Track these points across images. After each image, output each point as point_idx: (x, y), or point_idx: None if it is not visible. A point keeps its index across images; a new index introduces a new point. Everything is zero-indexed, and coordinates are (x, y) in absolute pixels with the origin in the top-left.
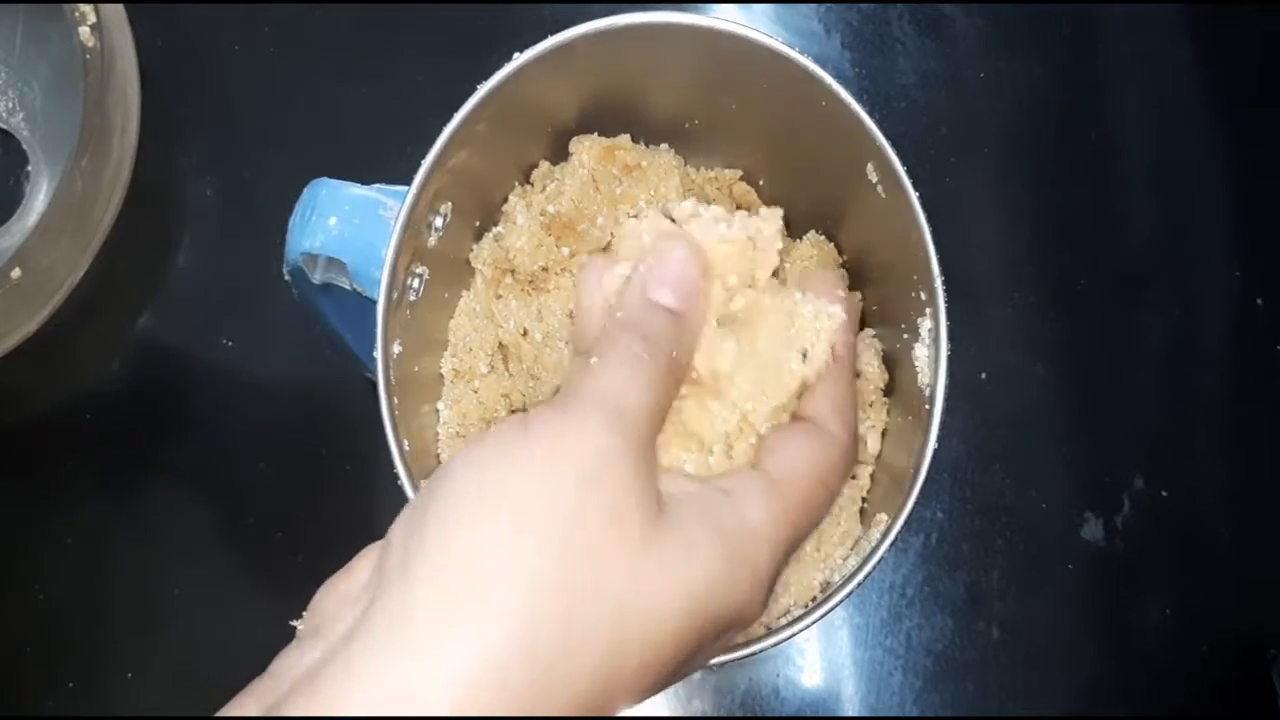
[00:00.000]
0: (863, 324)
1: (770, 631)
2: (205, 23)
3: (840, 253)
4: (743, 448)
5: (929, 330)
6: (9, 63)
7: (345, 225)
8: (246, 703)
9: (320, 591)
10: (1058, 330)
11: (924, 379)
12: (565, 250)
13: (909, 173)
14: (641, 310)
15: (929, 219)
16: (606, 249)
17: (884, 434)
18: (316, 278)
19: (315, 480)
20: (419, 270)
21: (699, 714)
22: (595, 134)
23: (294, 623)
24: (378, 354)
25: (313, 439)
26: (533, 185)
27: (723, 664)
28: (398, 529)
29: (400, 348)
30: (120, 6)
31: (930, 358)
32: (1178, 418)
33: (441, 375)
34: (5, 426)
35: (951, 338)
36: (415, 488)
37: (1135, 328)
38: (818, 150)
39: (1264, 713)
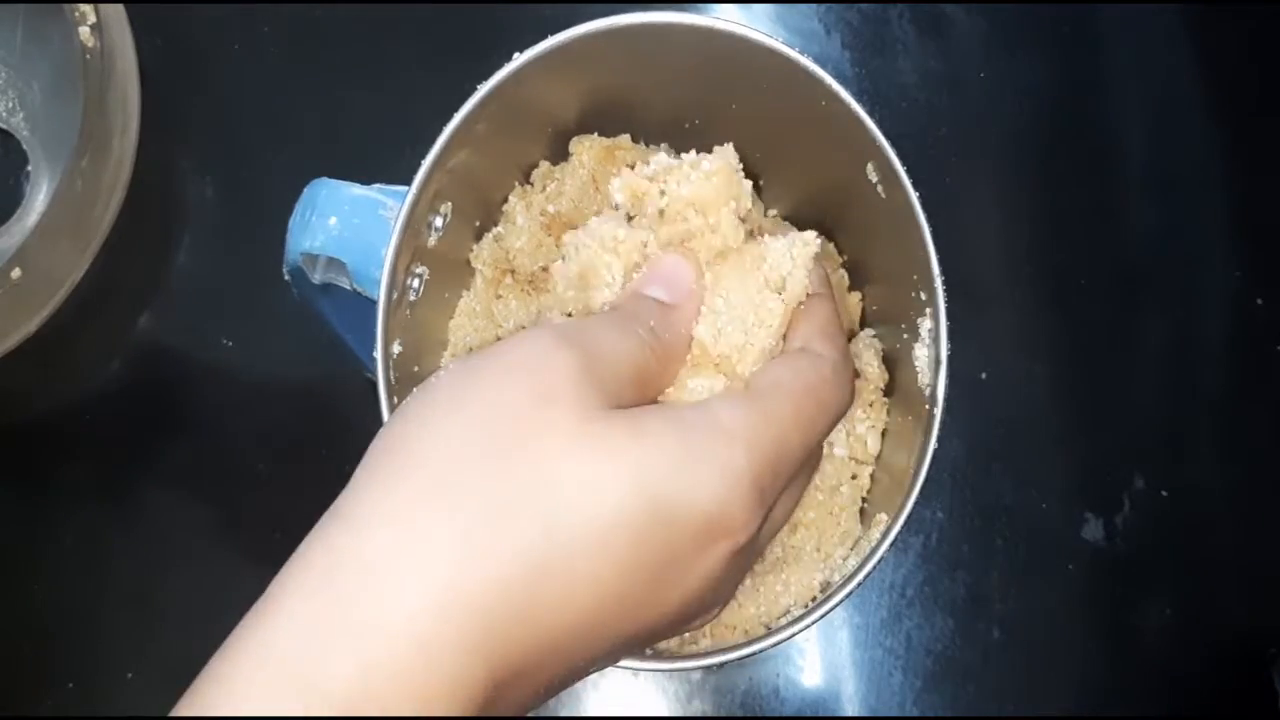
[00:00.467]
0: (863, 324)
1: (770, 631)
2: (205, 23)
3: (840, 253)
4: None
5: (929, 330)
6: (9, 63)
7: (345, 225)
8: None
9: None
10: (1058, 330)
11: (924, 379)
12: None
13: (909, 173)
14: (634, 300)
15: (929, 219)
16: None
17: (884, 434)
18: (316, 278)
19: (315, 480)
20: (419, 270)
21: (699, 714)
22: (595, 134)
23: None
24: (378, 354)
25: (313, 439)
26: (533, 185)
27: (722, 664)
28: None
29: (400, 348)
30: (120, 6)
31: (930, 358)
32: (1178, 418)
33: None
34: (5, 426)
35: (951, 338)
36: None
37: (1135, 328)
38: (818, 150)
39: (1264, 713)
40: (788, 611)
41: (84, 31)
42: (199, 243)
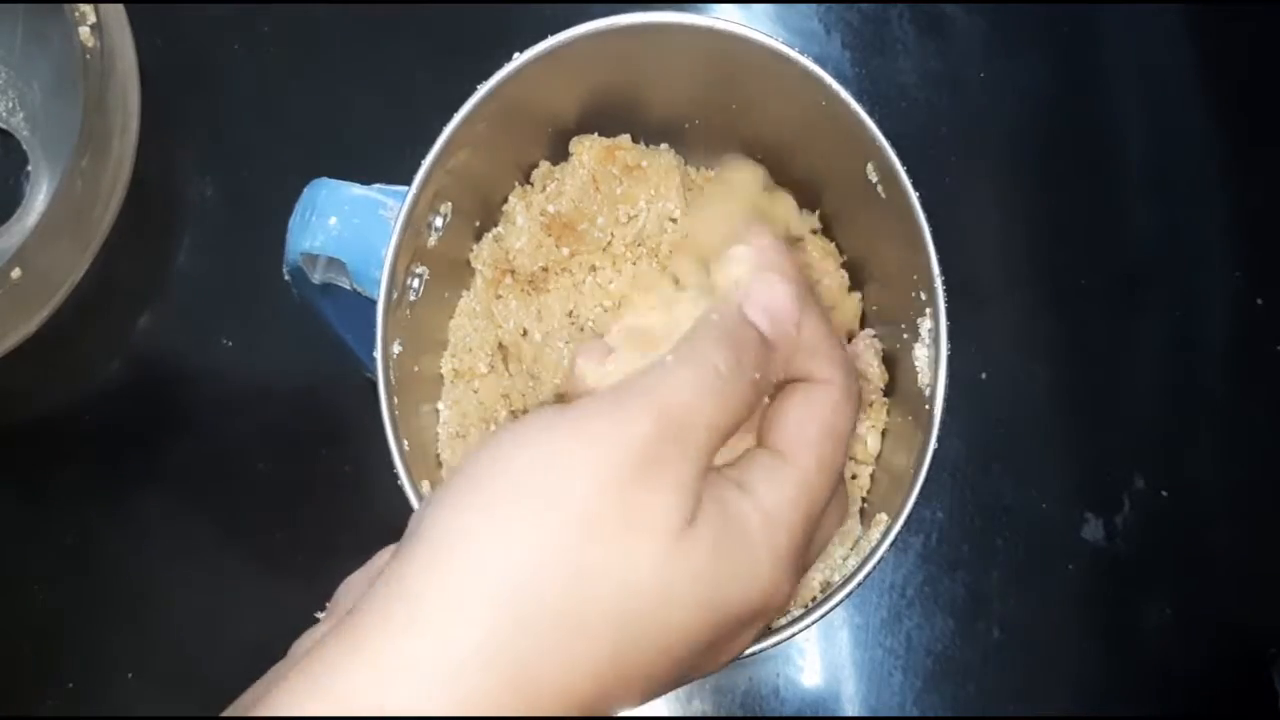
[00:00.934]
0: (863, 324)
1: (770, 631)
2: (205, 23)
3: (840, 253)
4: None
5: (929, 330)
6: (9, 63)
7: (345, 225)
8: (260, 682)
9: (342, 584)
10: (1058, 330)
11: (924, 379)
12: (565, 250)
13: (909, 173)
14: (734, 321)
15: (929, 219)
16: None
17: (884, 434)
18: (316, 278)
19: (315, 480)
20: (419, 270)
21: (699, 714)
22: (595, 134)
23: (317, 614)
24: (378, 354)
25: (313, 439)
26: (533, 185)
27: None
28: (419, 511)
29: (400, 348)
30: (120, 6)
31: (930, 358)
32: (1178, 418)
33: (441, 375)
34: (5, 426)
35: (951, 338)
36: (415, 488)
37: (1135, 328)
38: (817, 150)
39: (1264, 713)
40: (787, 611)
41: (84, 31)
42: (199, 243)
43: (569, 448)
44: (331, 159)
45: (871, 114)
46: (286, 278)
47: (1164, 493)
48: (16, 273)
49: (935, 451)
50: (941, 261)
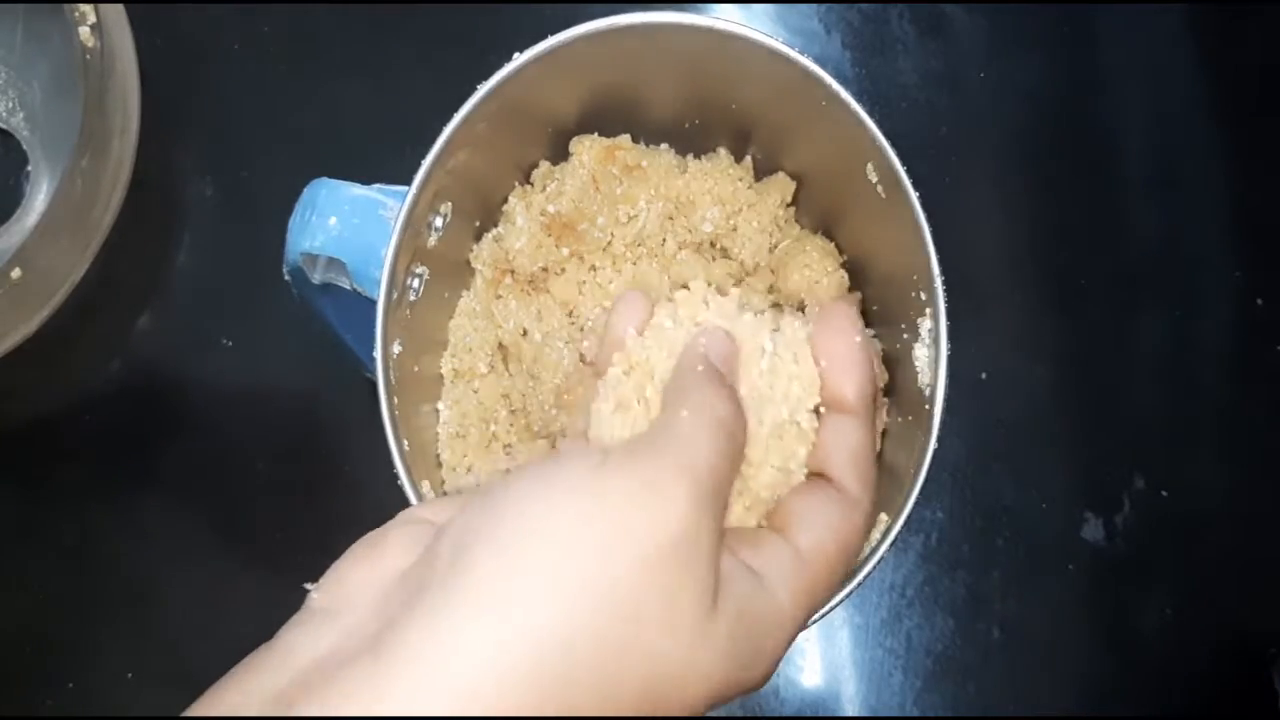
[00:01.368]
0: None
1: None
2: (205, 23)
3: (840, 253)
4: (738, 510)
5: (929, 330)
6: (9, 63)
7: (345, 225)
8: (249, 677)
9: (343, 566)
10: (1058, 330)
11: (924, 379)
12: (565, 250)
13: (909, 173)
14: (713, 390)
15: (929, 219)
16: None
17: (884, 434)
18: (316, 278)
19: (315, 480)
20: (419, 270)
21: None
22: (595, 134)
23: (308, 586)
24: (378, 354)
25: (313, 439)
26: (533, 185)
27: None
28: (446, 541)
29: (400, 348)
30: (120, 6)
31: (930, 358)
32: (1178, 418)
33: (441, 375)
34: (5, 426)
35: (951, 338)
36: (415, 488)
37: (1135, 328)
38: (818, 150)
39: (1264, 713)
40: None
41: (84, 31)
42: (199, 243)
43: (608, 531)
44: (331, 159)
45: (871, 114)
46: (286, 278)
47: (1164, 493)
48: (16, 273)
49: (935, 451)
50: (941, 261)
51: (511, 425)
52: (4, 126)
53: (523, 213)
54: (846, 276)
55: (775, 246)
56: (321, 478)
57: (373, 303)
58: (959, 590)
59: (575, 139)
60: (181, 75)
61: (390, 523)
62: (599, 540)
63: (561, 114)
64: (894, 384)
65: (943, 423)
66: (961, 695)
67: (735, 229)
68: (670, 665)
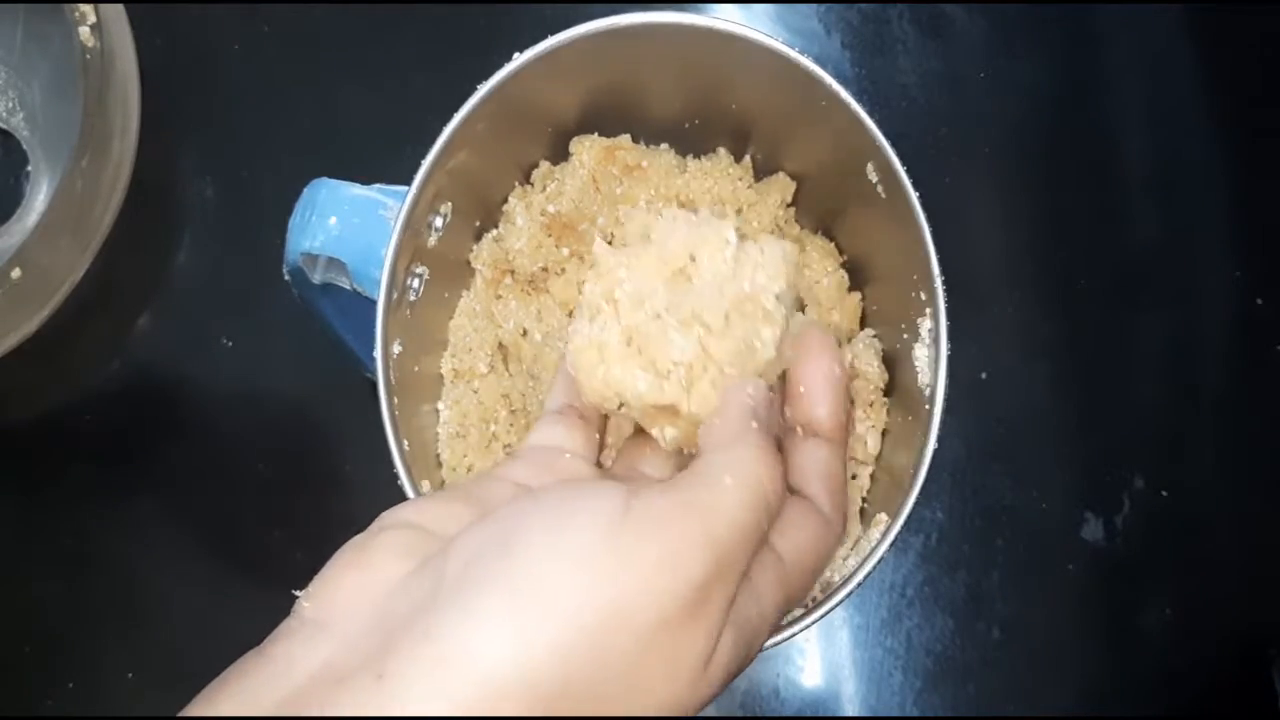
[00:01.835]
0: (863, 324)
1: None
2: (205, 23)
3: (840, 253)
4: (703, 386)
5: (929, 330)
6: (9, 63)
7: (345, 225)
8: (243, 686)
9: (331, 573)
10: (1058, 330)
11: (924, 379)
12: (565, 250)
13: (909, 173)
14: (771, 422)
15: (929, 219)
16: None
17: (884, 434)
18: (316, 278)
19: (315, 480)
20: (419, 270)
21: (699, 714)
22: (595, 134)
23: (297, 593)
24: (378, 354)
25: (312, 439)
26: (533, 185)
27: None
28: (452, 562)
29: (400, 348)
30: (120, 6)
31: (930, 358)
32: (1178, 418)
33: (441, 375)
34: (5, 426)
35: (951, 338)
36: (415, 488)
37: (1135, 328)
38: (818, 150)
39: (1264, 713)
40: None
41: (84, 31)
42: (199, 243)
43: (623, 596)
44: (331, 159)
45: (871, 114)
46: (286, 278)
47: (1164, 493)
48: (16, 272)
49: (935, 451)
50: (941, 261)
51: (511, 425)
52: (4, 126)
53: (523, 213)
54: (846, 276)
55: None
56: (321, 478)
57: (373, 303)
58: (959, 590)
59: (575, 139)
60: (181, 75)
61: (374, 526)
62: (612, 603)
63: (561, 114)
64: (894, 384)
65: (943, 423)
66: (961, 695)
67: None
68: (669, 704)
